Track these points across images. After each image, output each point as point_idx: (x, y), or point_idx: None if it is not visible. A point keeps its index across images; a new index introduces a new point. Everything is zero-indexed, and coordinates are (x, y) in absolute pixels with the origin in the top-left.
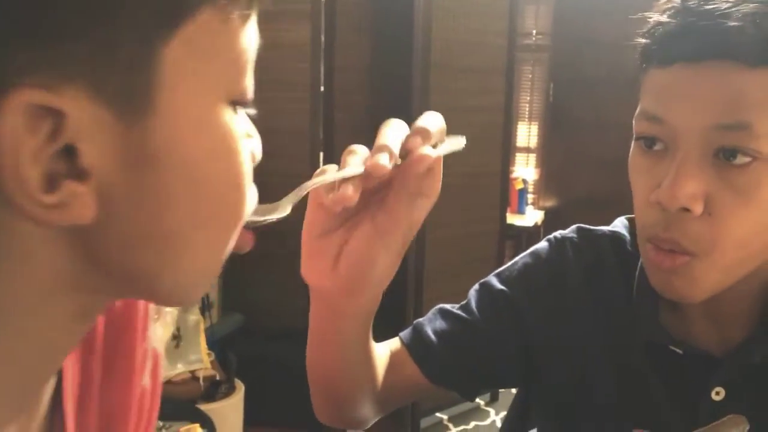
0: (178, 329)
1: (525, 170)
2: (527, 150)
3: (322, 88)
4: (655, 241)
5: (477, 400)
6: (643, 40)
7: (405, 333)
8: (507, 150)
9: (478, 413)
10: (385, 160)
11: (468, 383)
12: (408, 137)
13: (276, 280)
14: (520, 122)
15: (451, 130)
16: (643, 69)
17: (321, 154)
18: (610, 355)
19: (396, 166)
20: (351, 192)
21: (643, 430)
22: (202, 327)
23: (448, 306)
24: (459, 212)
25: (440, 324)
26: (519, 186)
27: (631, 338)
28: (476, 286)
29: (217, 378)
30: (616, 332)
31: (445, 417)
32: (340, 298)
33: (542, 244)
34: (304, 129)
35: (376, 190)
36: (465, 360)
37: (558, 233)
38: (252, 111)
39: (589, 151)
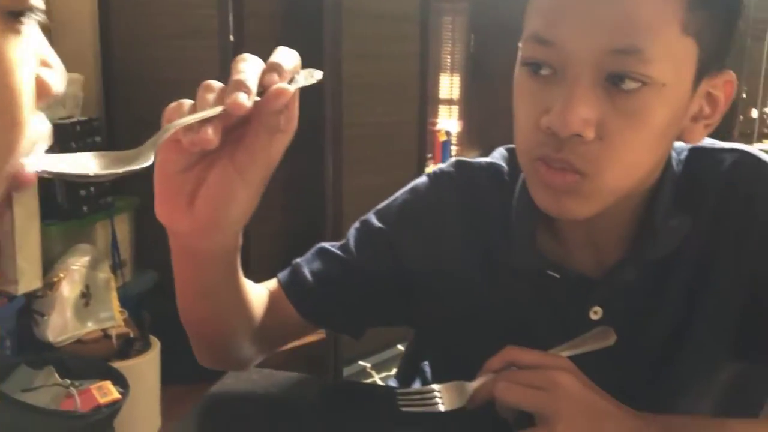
0: (87, 287)
1: (448, 122)
2: (450, 102)
3: (231, 37)
4: (546, 160)
5: (399, 346)
6: None
7: (283, 273)
8: (424, 100)
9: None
10: (243, 99)
11: (348, 322)
12: (263, 73)
13: None
14: (442, 74)
15: (366, 77)
16: None
17: None
18: (490, 284)
19: (254, 103)
20: (211, 134)
21: None
22: (113, 285)
23: (327, 245)
24: (375, 161)
25: (317, 264)
26: (442, 138)
27: (509, 266)
28: (356, 224)
29: (131, 336)
30: (494, 261)
31: (368, 365)
32: (198, 239)
33: (421, 179)
34: (215, 78)
35: (234, 127)
36: (342, 299)
37: (437, 167)
38: (41, 17)
39: (510, 101)
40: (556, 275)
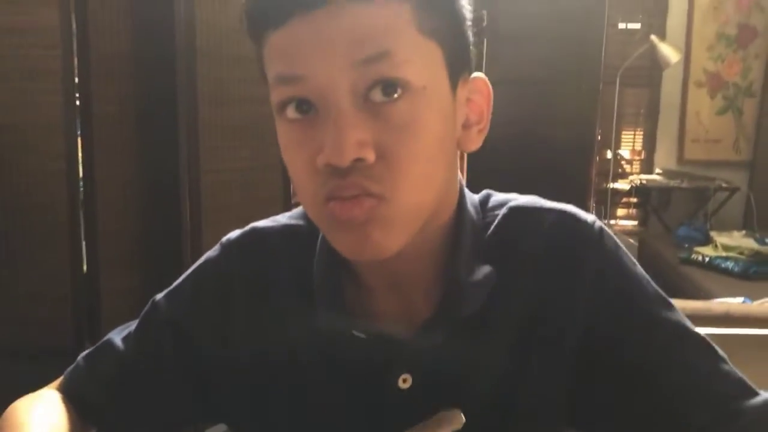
0: None
1: None
2: None
3: (76, 79)
4: (337, 196)
5: None
6: (250, 10)
7: (68, 370)
8: None
9: None
10: None
11: (143, 425)
12: None
13: (32, 294)
14: None
15: (224, 121)
16: (259, 40)
17: (79, 150)
18: (288, 362)
19: None
20: None
21: None
22: None
23: (115, 333)
24: (238, 209)
25: (97, 360)
26: None
27: (310, 334)
28: (148, 306)
29: None
30: (294, 334)
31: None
32: None
33: (212, 252)
34: (58, 123)
35: None
36: (128, 402)
37: (229, 236)
38: None
39: None
40: (362, 335)
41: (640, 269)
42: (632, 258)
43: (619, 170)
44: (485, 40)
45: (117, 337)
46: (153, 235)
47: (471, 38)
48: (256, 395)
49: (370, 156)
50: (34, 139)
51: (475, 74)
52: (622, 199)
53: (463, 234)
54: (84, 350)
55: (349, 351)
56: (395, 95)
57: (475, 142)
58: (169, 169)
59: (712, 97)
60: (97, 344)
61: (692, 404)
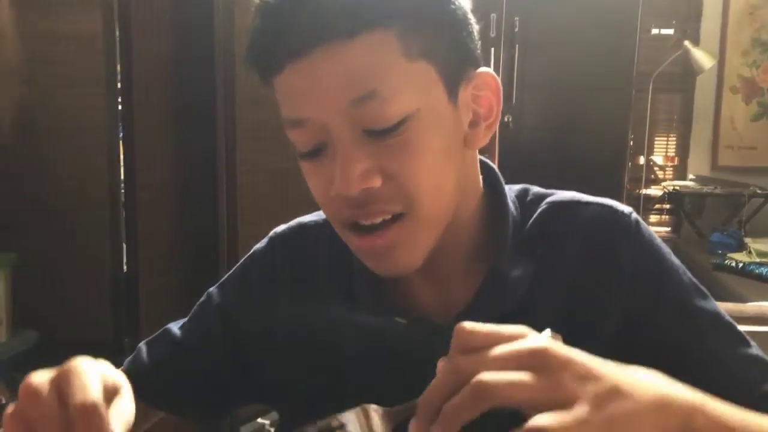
0: None
1: None
2: None
3: (119, 84)
4: (358, 228)
5: None
6: (250, 59)
7: (128, 358)
8: None
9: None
10: None
11: (187, 405)
12: None
13: (74, 291)
14: None
15: (261, 122)
16: (268, 84)
17: (121, 152)
18: (333, 345)
19: None
20: None
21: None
22: None
23: (173, 325)
24: (275, 209)
25: (156, 346)
26: None
27: (352, 322)
28: (203, 297)
29: (2, 401)
30: (336, 320)
31: (267, 422)
32: None
33: (260, 244)
34: (101, 125)
35: None
36: (179, 381)
37: (276, 229)
38: None
39: None
40: (402, 321)
41: (676, 260)
42: (668, 249)
43: (652, 176)
44: (517, 45)
45: (174, 326)
46: (190, 234)
47: (473, 31)
48: (297, 379)
49: (377, 182)
50: (78, 142)
51: (481, 69)
52: (654, 205)
53: (504, 228)
54: (123, 346)
55: (389, 337)
56: (389, 128)
57: (484, 138)
58: (207, 170)
59: (747, 103)
60: (156, 333)
61: (724, 388)
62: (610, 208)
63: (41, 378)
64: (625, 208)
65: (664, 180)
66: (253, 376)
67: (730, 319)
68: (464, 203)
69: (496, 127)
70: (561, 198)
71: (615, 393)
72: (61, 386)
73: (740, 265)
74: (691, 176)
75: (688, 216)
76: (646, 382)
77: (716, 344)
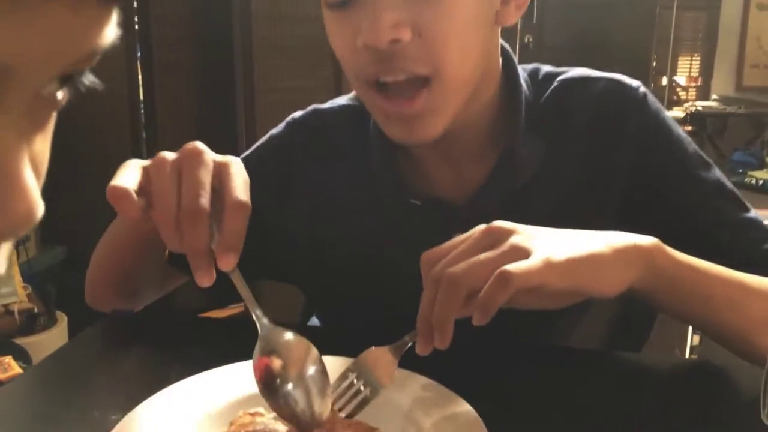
0: None
1: None
2: None
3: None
4: (383, 87)
5: None
6: None
7: None
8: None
9: None
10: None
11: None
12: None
13: (98, 209)
14: None
15: (279, 41)
16: None
17: (139, 73)
18: (347, 229)
19: None
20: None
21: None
22: (15, 260)
23: None
24: None
25: None
26: None
27: (369, 202)
28: None
29: (35, 311)
30: (353, 199)
31: None
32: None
33: (277, 129)
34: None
35: None
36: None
37: (293, 115)
38: None
39: None
40: (417, 203)
41: (682, 131)
42: (674, 121)
43: (675, 97)
44: None
45: None
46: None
47: None
48: (315, 257)
49: (406, 35)
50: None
51: None
52: None
53: (517, 106)
54: None
55: (406, 217)
56: None
57: (513, 18)
58: (226, 89)
59: None
60: None
61: (727, 249)
62: (619, 81)
63: (167, 156)
64: (633, 82)
65: (687, 101)
66: (269, 253)
67: (733, 187)
68: (484, 83)
69: (525, 8)
70: (572, 75)
71: (571, 240)
72: (182, 169)
73: (760, 182)
74: (714, 96)
75: (710, 137)
76: (602, 233)
77: (720, 209)
